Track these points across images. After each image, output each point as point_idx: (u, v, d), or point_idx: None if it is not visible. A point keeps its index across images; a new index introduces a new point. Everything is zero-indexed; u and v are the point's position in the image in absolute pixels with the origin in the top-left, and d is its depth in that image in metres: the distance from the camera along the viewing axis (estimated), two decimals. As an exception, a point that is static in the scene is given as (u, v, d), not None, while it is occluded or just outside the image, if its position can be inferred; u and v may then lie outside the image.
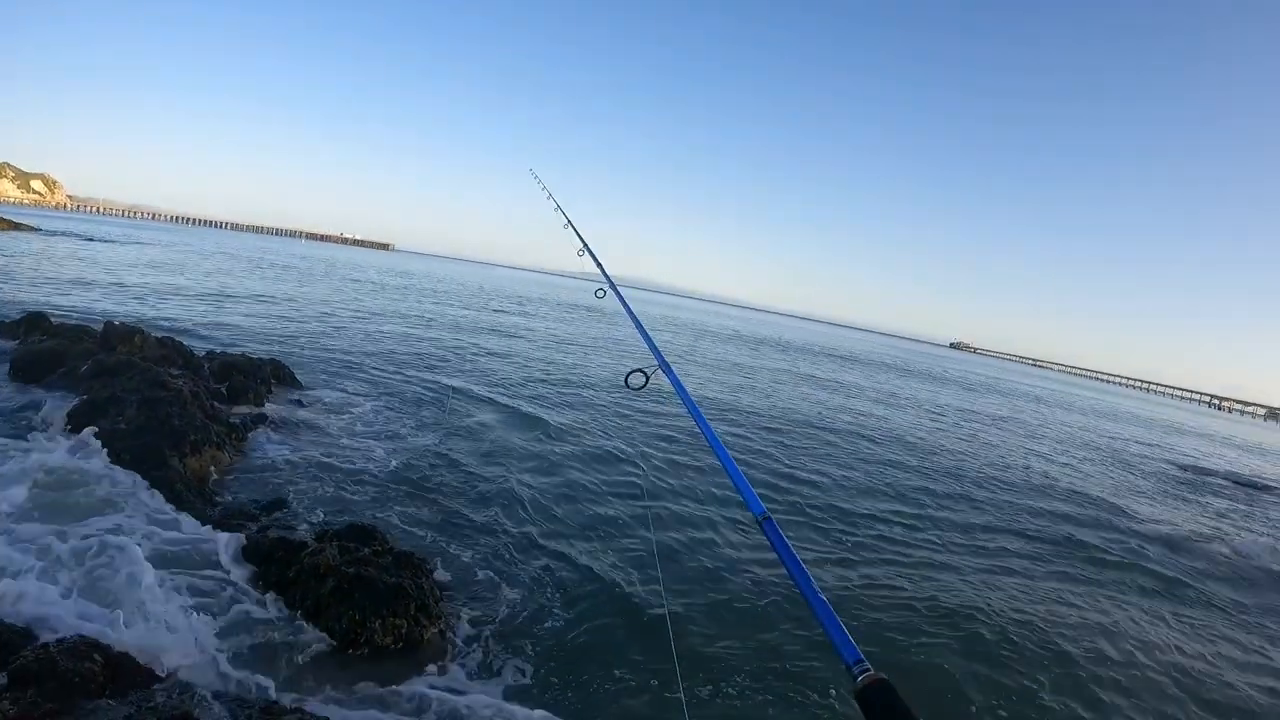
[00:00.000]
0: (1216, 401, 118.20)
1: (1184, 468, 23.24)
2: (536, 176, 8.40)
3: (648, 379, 3.20)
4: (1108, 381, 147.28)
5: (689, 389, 3.16)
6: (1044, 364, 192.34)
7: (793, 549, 1.78)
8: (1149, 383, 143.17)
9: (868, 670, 1.26)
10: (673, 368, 3.44)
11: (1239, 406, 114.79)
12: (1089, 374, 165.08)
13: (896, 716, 1.18)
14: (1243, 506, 17.69)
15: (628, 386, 3.21)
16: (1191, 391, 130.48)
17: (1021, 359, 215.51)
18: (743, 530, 8.73)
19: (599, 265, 5.93)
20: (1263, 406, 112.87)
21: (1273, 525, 15.78)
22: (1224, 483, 21.30)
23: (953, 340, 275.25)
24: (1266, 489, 21.45)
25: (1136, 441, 29.57)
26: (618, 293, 5.35)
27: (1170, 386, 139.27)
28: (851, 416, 20.60)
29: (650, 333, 4.14)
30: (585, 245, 6.31)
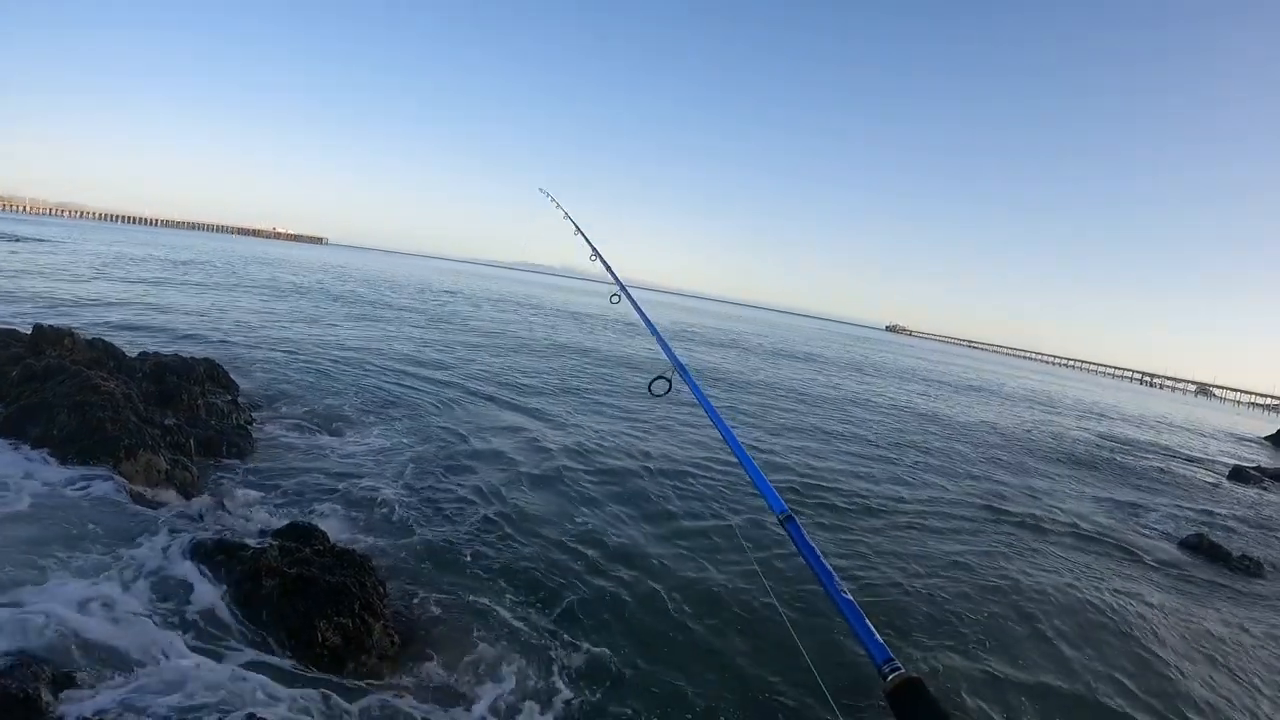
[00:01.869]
0: (1148, 379, 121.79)
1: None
2: (550, 196, 8.51)
3: (670, 385, 3.29)
4: (1045, 362, 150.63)
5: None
6: (979, 345, 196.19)
7: (817, 549, 1.74)
8: (1083, 361, 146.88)
9: (899, 670, 1.23)
10: (690, 372, 3.54)
11: (1170, 383, 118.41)
12: (1025, 354, 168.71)
13: (929, 716, 1.15)
14: None
15: (651, 393, 3.30)
16: (1123, 369, 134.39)
17: (957, 341, 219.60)
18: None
19: (611, 273, 5.98)
20: (1193, 382, 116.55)
21: None
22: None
23: (889, 324, 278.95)
24: None
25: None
26: (632, 299, 5.41)
27: (1102, 365, 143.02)
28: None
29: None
30: (597, 253, 6.34)
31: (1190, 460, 23.37)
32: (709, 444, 12.88)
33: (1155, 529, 12.55)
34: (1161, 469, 20.05)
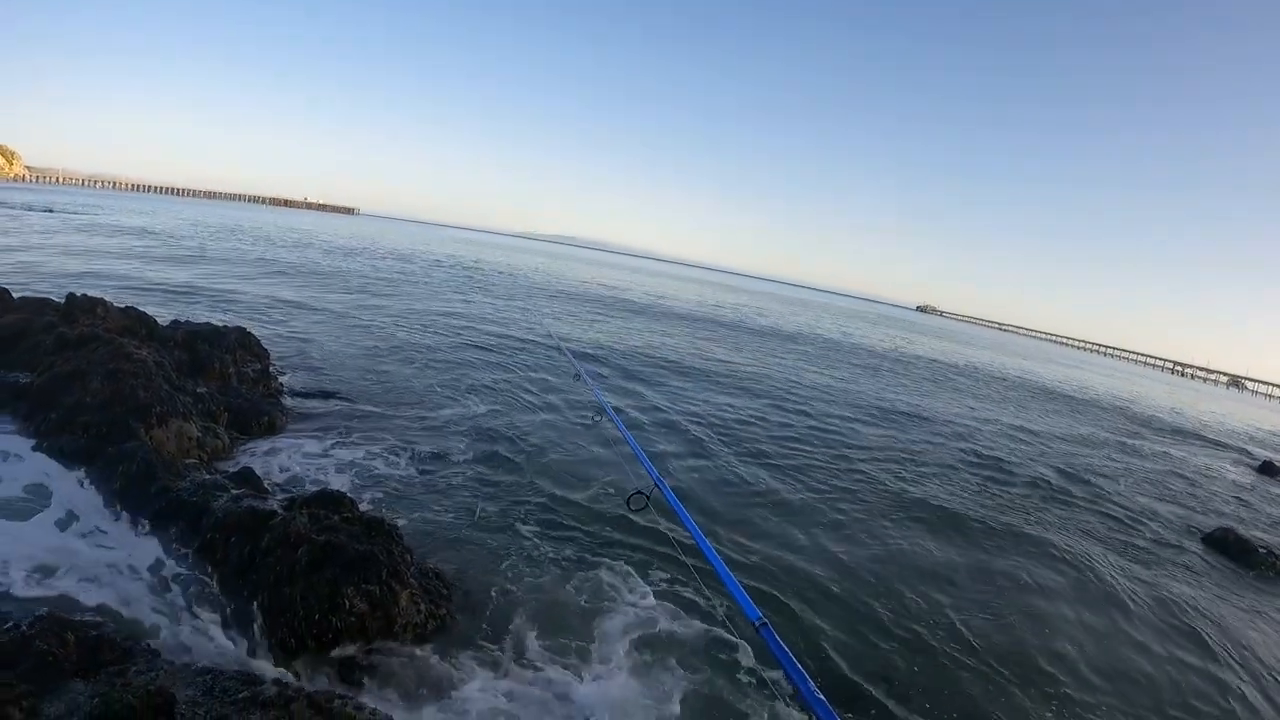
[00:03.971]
0: (1179, 368, 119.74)
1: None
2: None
3: (648, 499, 3.30)
4: (1077, 347, 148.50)
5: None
6: (1010, 328, 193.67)
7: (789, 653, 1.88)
8: (1111, 347, 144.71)
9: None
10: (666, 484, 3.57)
11: (1201, 373, 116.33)
12: (1056, 339, 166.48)
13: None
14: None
15: (629, 508, 3.33)
16: (1154, 357, 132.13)
17: (987, 323, 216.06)
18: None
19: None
20: (1225, 374, 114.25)
21: None
22: None
23: (920, 304, 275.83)
24: None
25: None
26: (610, 413, 5.57)
27: (1132, 352, 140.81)
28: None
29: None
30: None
31: (1218, 449, 23.08)
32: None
33: (1179, 522, 12.35)
34: (1189, 460, 19.78)
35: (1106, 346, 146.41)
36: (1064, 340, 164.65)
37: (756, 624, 1.96)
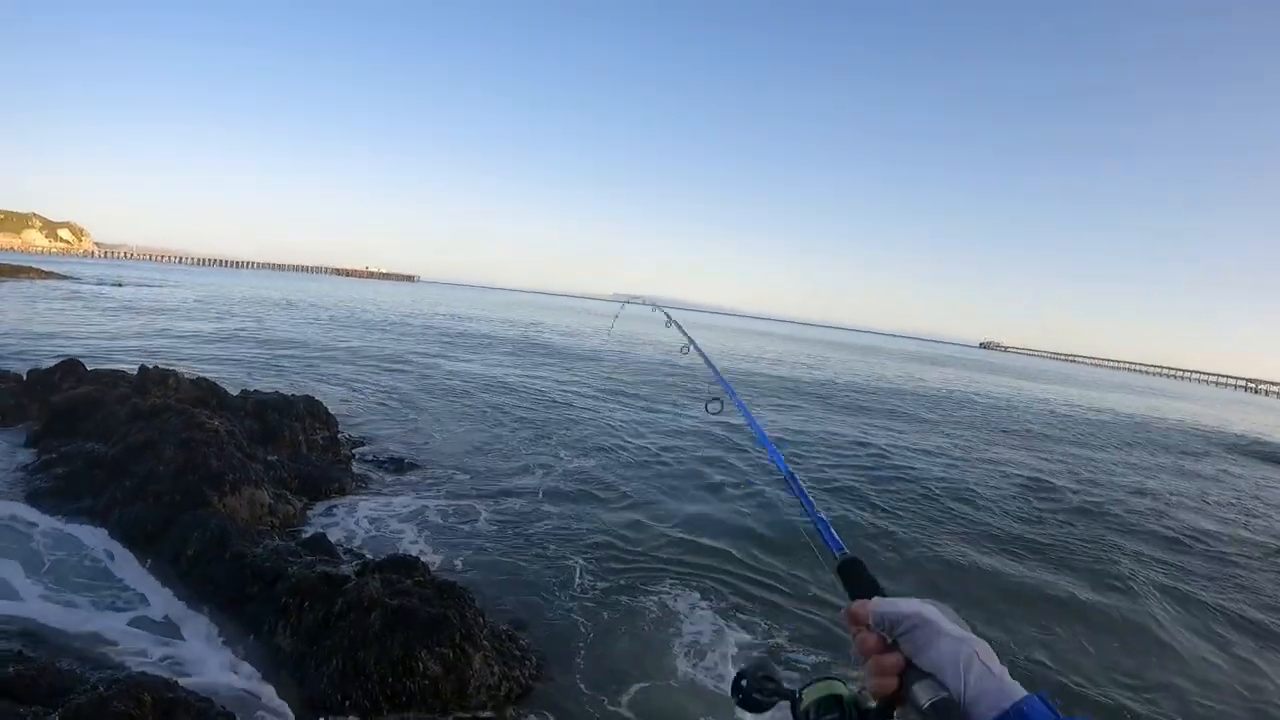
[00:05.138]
0: (1252, 385, 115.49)
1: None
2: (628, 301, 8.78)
3: (722, 405, 3.33)
4: (1142, 372, 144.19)
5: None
6: (1077, 359, 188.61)
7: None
8: (1179, 369, 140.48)
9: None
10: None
11: (1276, 389, 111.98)
12: (1121, 365, 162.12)
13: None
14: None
15: (707, 411, 3.39)
16: (1223, 376, 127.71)
17: (1054, 355, 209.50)
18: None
19: (706, 360, 5.98)
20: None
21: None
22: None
23: (982, 340, 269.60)
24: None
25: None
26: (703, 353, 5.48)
27: (1199, 372, 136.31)
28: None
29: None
30: (692, 343, 6.46)
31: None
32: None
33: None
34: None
35: (1171, 369, 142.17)
36: (1127, 366, 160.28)
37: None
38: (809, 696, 1.14)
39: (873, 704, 1.10)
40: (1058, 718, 0.93)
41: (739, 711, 5.51)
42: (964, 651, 1.01)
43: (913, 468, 14.09)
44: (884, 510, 10.81)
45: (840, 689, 1.12)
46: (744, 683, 1.23)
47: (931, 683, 1.03)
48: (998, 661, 1.01)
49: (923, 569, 8.66)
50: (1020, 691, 0.97)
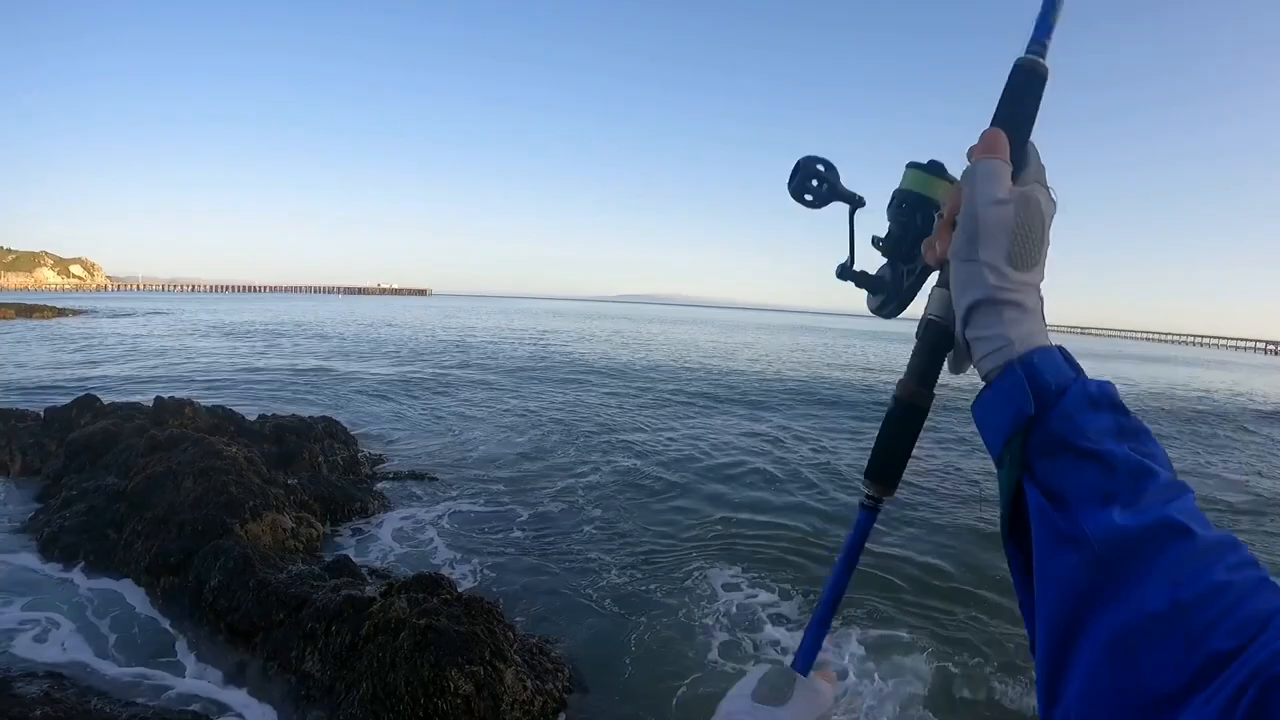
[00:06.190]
0: (1274, 347, 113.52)
1: None
2: None
3: None
4: (1186, 343, 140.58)
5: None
6: (1092, 332, 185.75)
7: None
8: (1195, 335, 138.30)
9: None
10: None
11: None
12: (1141, 335, 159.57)
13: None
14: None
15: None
16: (1244, 340, 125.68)
17: (1080, 330, 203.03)
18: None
19: None
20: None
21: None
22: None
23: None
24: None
25: None
26: None
27: (1218, 337, 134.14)
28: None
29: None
30: None
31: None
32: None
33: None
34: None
35: (1188, 335, 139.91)
36: (1145, 335, 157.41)
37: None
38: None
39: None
40: (1079, 376, 0.68)
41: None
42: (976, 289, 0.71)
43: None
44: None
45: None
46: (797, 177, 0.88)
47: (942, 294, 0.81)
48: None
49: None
50: (1039, 339, 0.70)
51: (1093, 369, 0.69)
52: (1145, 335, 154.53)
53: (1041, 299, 0.73)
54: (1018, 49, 0.80)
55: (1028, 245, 0.71)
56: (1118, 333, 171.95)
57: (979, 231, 0.71)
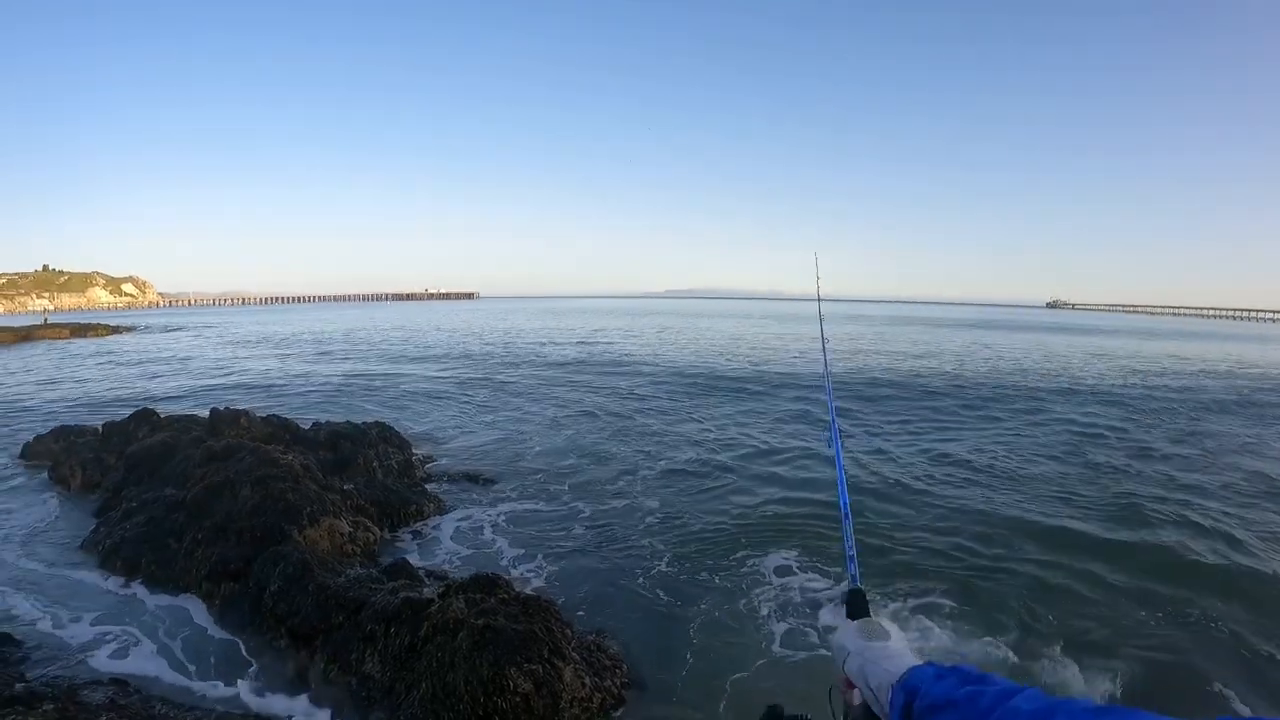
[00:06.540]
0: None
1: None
2: None
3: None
4: (1224, 317, 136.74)
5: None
6: (1155, 311, 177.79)
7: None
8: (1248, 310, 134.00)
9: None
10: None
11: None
12: (1199, 313, 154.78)
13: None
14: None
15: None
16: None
17: (1127, 309, 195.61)
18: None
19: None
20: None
21: None
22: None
23: (1049, 300, 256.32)
24: None
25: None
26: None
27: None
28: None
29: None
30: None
31: None
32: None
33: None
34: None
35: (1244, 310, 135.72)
36: (1210, 312, 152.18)
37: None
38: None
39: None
40: (939, 672, 1.08)
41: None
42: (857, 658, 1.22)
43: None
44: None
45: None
46: None
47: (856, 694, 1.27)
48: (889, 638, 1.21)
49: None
50: (908, 663, 1.13)
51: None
52: (1210, 312, 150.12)
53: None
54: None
55: None
56: (1170, 310, 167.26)
57: None
